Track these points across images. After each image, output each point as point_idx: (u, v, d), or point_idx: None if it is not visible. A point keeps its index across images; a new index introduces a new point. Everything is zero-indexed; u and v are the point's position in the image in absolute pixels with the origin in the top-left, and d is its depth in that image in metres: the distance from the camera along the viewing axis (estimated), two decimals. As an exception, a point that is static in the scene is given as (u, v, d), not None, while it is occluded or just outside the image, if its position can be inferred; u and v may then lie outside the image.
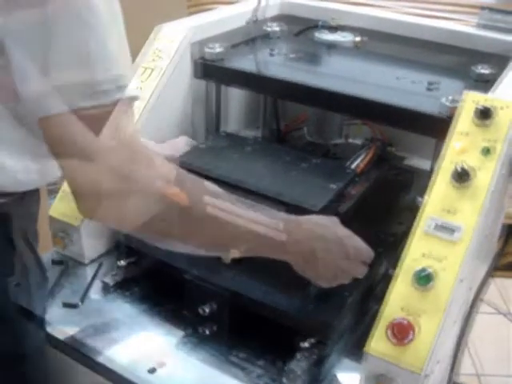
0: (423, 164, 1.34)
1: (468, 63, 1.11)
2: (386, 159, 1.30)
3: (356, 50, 1.25)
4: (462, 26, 1.24)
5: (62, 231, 1.01)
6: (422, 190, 1.07)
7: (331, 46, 1.24)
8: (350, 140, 1.31)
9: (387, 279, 1.01)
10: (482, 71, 1.07)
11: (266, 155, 0.97)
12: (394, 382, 0.75)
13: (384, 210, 1.17)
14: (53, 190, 2.00)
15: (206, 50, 1.09)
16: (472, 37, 1.22)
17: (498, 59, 1.17)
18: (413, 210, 1.18)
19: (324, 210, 0.86)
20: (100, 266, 1.01)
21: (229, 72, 1.06)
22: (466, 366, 1.76)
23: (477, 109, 0.84)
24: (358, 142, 1.31)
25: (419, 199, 1.02)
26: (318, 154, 1.24)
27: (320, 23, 1.27)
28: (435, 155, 0.99)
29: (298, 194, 0.86)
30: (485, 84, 1.06)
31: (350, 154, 1.23)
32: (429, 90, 1.03)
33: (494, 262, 1.01)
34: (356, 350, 0.89)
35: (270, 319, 0.86)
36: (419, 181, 1.27)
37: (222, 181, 0.90)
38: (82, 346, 0.87)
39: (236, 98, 1.35)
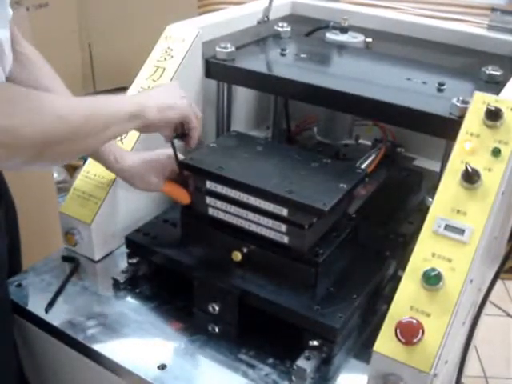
0: (432, 165, 1.35)
1: (478, 64, 1.11)
2: (396, 160, 1.30)
3: (367, 50, 1.25)
4: (473, 27, 1.24)
5: (73, 228, 1.02)
6: (432, 191, 1.08)
7: (342, 47, 1.24)
8: (361, 141, 1.32)
9: (396, 280, 1.02)
10: (493, 72, 1.07)
11: (276, 155, 0.97)
12: (402, 382, 0.76)
13: (393, 210, 1.18)
14: (62, 189, 2.03)
15: (218, 49, 1.10)
16: (482, 38, 1.22)
17: (508, 61, 1.17)
18: (422, 211, 1.19)
19: (333, 210, 0.86)
20: (77, 266, 1.01)
21: (241, 72, 1.06)
22: (473, 367, 1.76)
23: (487, 109, 0.84)
24: (368, 142, 1.31)
25: (429, 200, 1.03)
26: (328, 154, 1.25)
27: (331, 24, 1.28)
28: (445, 156, 1.00)
29: (308, 194, 0.86)
30: (495, 85, 1.06)
31: (360, 154, 1.24)
32: (439, 91, 1.03)
33: (502, 263, 1.00)
34: (363, 349, 0.90)
35: (279, 318, 0.87)
36: (428, 182, 1.28)
37: (231, 179, 0.90)
38: (93, 343, 0.87)
39: (245, 98, 1.36)
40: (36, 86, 0.91)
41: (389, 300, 0.98)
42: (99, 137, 0.80)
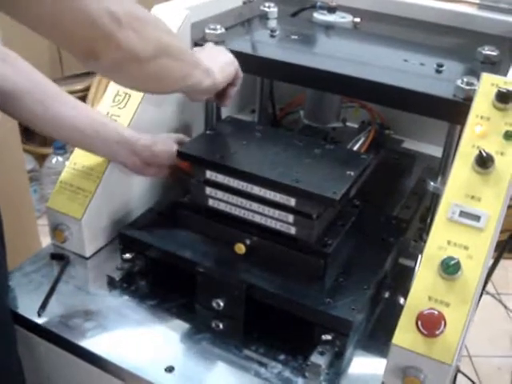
0: (421, 147, 1.33)
1: (472, 45, 1.09)
2: (385, 142, 1.28)
3: (356, 31, 1.22)
4: (464, 6, 1.22)
5: (62, 224, 0.95)
6: (431, 174, 1.06)
7: (330, 27, 1.21)
8: (348, 123, 1.29)
9: (397, 267, 1.00)
10: (489, 53, 1.05)
11: (277, 141, 0.92)
12: (421, 374, 0.74)
13: (388, 195, 1.15)
14: (32, 178, 1.94)
15: (207, 31, 1.04)
16: (474, 18, 1.20)
17: (500, 40, 1.15)
18: (417, 194, 1.17)
19: (342, 199, 0.83)
20: (66, 264, 0.96)
21: (234, 55, 1.01)
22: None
23: (498, 91, 0.82)
24: (355, 125, 1.28)
25: (431, 183, 1.01)
26: (317, 138, 1.21)
27: (318, 3, 1.23)
28: (448, 139, 0.97)
29: (316, 182, 0.82)
30: (492, 66, 1.04)
31: (349, 137, 1.21)
32: (438, 72, 1.01)
33: (503, 247, 1.00)
34: (369, 339, 0.87)
35: (288, 313, 0.83)
36: (420, 164, 1.26)
37: (234, 168, 0.86)
38: (93, 346, 0.82)
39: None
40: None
41: (390, 287, 0.98)
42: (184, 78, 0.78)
